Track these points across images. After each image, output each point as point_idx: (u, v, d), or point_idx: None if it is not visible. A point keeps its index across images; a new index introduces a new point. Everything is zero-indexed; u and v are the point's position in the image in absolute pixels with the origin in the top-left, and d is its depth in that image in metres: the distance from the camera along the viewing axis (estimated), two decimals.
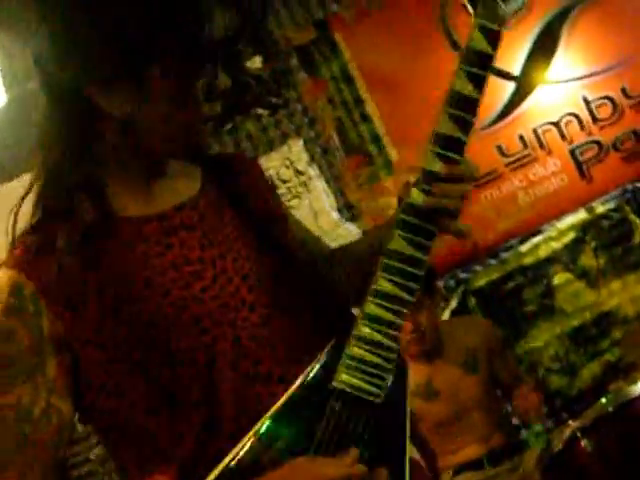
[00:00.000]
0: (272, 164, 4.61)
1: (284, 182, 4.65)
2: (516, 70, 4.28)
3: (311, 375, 1.38)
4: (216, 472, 1.31)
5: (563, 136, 4.36)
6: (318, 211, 4.59)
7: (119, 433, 1.42)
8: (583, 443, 2.85)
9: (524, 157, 4.39)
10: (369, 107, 4.54)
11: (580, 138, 4.36)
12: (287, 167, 4.65)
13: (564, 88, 4.36)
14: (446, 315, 4.35)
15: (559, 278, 4.36)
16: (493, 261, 4.43)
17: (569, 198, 4.36)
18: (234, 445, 1.32)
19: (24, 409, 1.33)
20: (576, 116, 4.35)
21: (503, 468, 3.52)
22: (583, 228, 4.35)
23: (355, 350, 1.37)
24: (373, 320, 1.37)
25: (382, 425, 1.39)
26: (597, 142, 4.34)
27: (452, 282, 4.43)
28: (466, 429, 3.55)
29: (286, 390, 1.37)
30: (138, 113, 1.39)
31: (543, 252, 4.38)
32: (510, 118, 4.37)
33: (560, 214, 4.36)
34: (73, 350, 1.36)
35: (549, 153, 4.37)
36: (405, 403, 1.43)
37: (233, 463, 1.31)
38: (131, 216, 1.44)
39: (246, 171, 1.63)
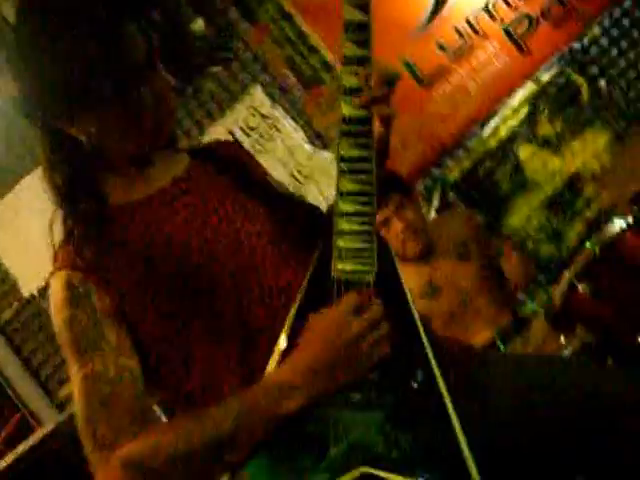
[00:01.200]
0: (239, 115, 4.80)
1: (254, 129, 4.84)
2: None
3: (313, 274, 1.64)
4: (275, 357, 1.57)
5: (494, 18, 4.53)
6: (292, 147, 4.78)
7: (184, 376, 1.64)
8: (581, 288, 2.99)
9: (463, 47, 4.55)
10: (313, 39, 4.69)
11: (510, 16, 4.53)
12: (253, 115, 4.83)
13: None
14: (432, 214, 4.55)
15: (524, 152, 4.54)
16: (460, 152, 4.64)
17: (514, 74, 4.54)
18: (271, 350, 1.58)
19: (99, 374, 1.56)
20: None
21: (515, 343, 3.71)
22: (534, 99, 4.54)
23: (341, 243, 1.62)
24: (348, 215, 1.62)
25: (384, 295, 1.62)
26: (526, 15, 4.50)
27: (429, 182, 4.64)
28: (474, 316, 3.70)
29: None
30: (101, 134, 1.64)
31: (504, 132, 4.57)
32: (441, 15, 4.52)
33: (510, 92, 4.55)
34: (126, 316, 1.62)
35: (485, 37, 4.54)
36: (397, 272, 1.67)
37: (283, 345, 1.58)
38: (139, 199, 1.72)
39: (232, 153, 1.91)
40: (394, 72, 1.65)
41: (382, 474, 1.48)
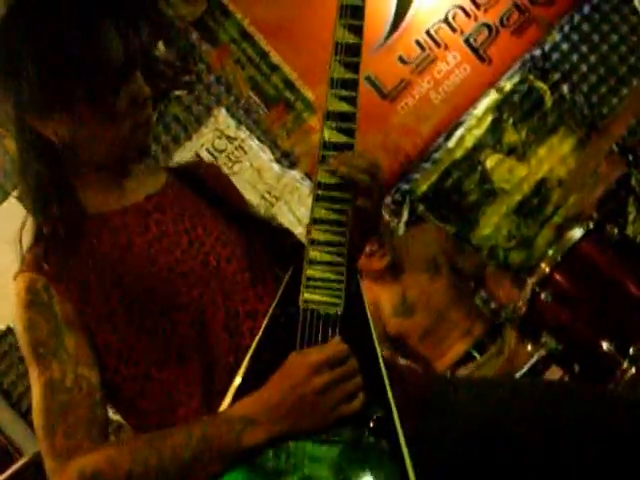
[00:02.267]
0: (205, 138, 4.78)
1: (221, 152, 4.82)
2: None
3: (280, 302, 1.62)
4: (231, 390, 1.56)
5: (454, 29, 4.53)
6: (260, 168, 4.76)
7: (139, 394, 1.64)
8: (543, 295, 3.01)
9: (425, 59, 4.54)
10: (275, 58, 4.69)
11: (469, 26, 4.52)
12: (219, 137, 4.82)
13: None
14: (402, 229, 4.53)
15: (490, 161, 4.55)
16: (427, 164, 4.62)
17: (477, 84, 4.54)
18: (233, 376, 1.57)
19: (57, 382, 1.56)
20: (460, 7, 4.52)
21: (490, 353, 3.71)
22: (498, 108, 4.54)
23: (310, 272, 1.60)
24: (319, 244, 1.61)
25: (349, 330, 1.60)
26: (486, 25, 4.51)
27: (398, 196, 4.61)
28: (449, 329, 3.74)
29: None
30: (73, 136, 1.63)
31: (469, 142, 4.57)
32: (401, 28, 4.52)
33: (473, 101, 4.55)
34: (87, 326, 1.61)
35: (446, 48, 4.54)
36: (364, 307, 1.64)
37: (239, 381, 1.56)
38: (113, 210, 1.70)
39: (212, 175, 1.90)
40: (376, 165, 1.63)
41: None
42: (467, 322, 3.73)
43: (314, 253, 1.61)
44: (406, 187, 4.61)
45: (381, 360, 1.60)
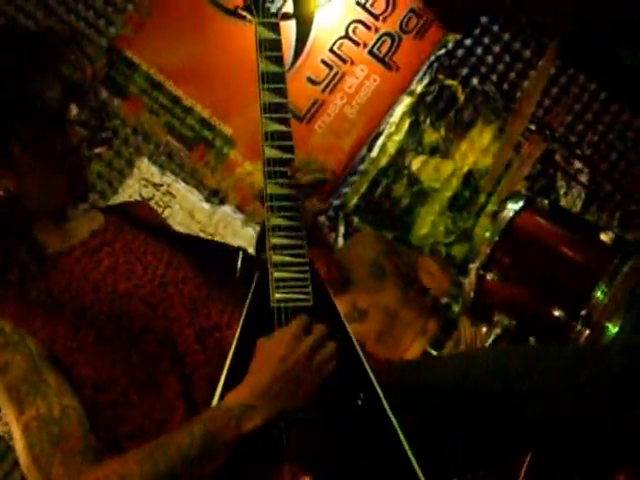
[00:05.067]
0: (131, 190, 4.77)
1: (149, 200, 4.82)
2: (290, 8, 4.52)
3: (251, 307, 1.74)
4: (217, 393, 1.63)
5: (357, 43, 4.60)
6: (190, 209, 4.76)
7: (120, 419, 1.67)
8: (489, 276, 3.05)
9: (334, 77, 4.61)
10: (187, 100, 4.70)
11: (371, 38, 4.60)
12: (145, 186, 4.81)
13: (337, 3, 4.59)
14: (340, 242, 4.59)
15: (415, 163, 4.62)
16: (355, 177, 4.68)
17: (389, 92, 4.62)
18: (213, 387, 1.64)
19: (45, 416, 1.58)
20: (358, 21, 4.60)
21: (449, 347, 3.75)
22: (413, 111, 4.62)
23: (277, 274, 1.74)
24: (280, 248, 1.76)
25: (321, 318, 1.73)
26: (387, 34, 4.59)
27: (332, 213, 4.67)
28: (403, 330, 3.78)
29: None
30: (17, 186, 1.69)
31: (392, 148, 4.63)
32: (305, 52, 4.58)
33: (388, 109, 4.62)
34: (61, 360, 1.64)
35: (353, 63, 4.60)
36: (329, 296, 1.81)
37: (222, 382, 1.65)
38: (61, 250, 1.76)
39: (144, 209, 2.03)
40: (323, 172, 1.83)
41: None
42: (420, 321, 3.78)
43: (277, 257, 1.75)
44: (337, 202, 4.66)
45: (354, 339, 1.76)
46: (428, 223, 4.60)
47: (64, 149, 1.70)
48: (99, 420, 1.65)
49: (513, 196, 3.11)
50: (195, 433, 1.56)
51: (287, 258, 1.75)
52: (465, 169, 4.59)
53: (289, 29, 4.53)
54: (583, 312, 2.80)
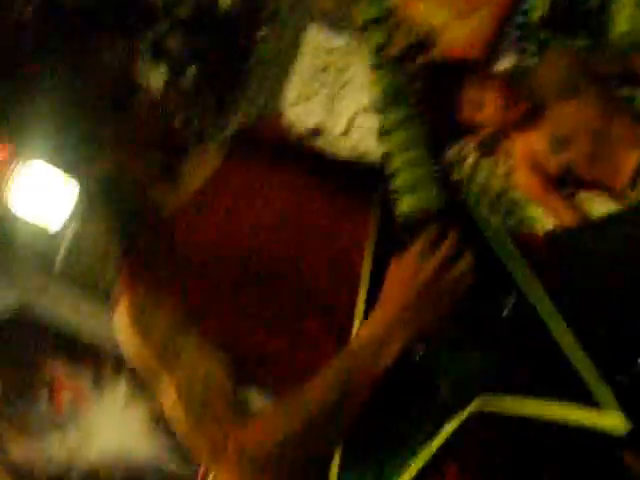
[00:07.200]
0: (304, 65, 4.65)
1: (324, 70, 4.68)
2: None
3: (379, 228, 1.63)
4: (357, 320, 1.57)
5: None
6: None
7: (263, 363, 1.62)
8: None
9: None
10: None
11: None
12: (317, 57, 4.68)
13: None
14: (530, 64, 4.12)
15: None
16: None
17: None
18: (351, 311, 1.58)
19: (190, 377, 1.56)
20: None
21: None
22: None
23: (398, 181, 1.58)
24: (398, 150, 1.59)
25: (454, 219, 1.58)
26: None
27: (516, 31, 4.15)
28: (615, 144, 3.45)
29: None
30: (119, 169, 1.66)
31: None
32: None
33: None
34: (198, 316, 1.59)
35: None
36: (462, 194, 1.74)
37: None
38: (177, 208, 1.69)
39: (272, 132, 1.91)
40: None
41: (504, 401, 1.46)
42: (632, 130, 3.43)
43: (394, 162, 1.58)
44: (521, 20, 4.18)
45: (493, 237, 1.60)
46: (626, 18, 4.09)
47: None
48: (248, 374, 1.61)
49: None
50: (334, 376, 1.51)
51: (405, 155, 1.57)
52: None
53: None
54: None
